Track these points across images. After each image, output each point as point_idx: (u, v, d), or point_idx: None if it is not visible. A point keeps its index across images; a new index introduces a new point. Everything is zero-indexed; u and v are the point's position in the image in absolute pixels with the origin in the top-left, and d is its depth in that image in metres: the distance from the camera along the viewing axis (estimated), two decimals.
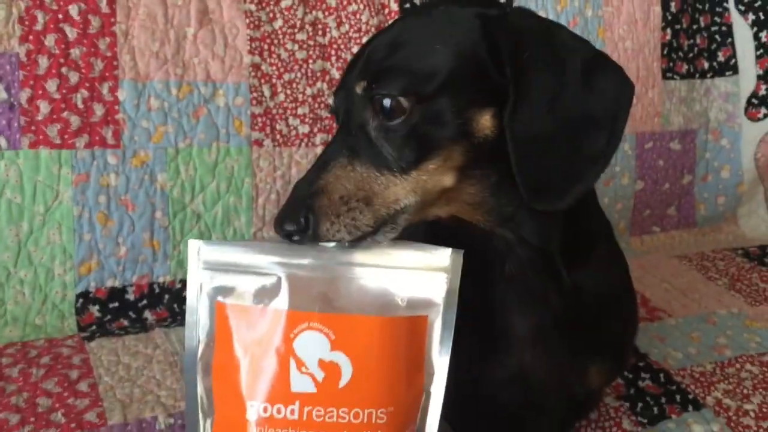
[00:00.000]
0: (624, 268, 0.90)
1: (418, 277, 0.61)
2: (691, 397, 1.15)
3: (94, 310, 1.30)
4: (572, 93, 0.68)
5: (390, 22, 0.77)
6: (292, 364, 0.57)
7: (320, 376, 0.57)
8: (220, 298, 0.59)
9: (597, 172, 0.70)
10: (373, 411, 0.57)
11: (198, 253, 0.59)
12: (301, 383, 0.57)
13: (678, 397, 1.15)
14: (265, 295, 0.58)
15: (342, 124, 0.71)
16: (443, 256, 0.62)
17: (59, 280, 1.28)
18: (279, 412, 0.56)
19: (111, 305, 1.31)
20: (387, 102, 0.66)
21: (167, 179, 1.35)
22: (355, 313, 0.58)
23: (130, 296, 1.33)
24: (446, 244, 0.76)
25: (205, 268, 0.59)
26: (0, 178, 1.24)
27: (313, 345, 0.57)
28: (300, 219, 0.62)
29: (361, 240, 0.65)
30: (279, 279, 0.59)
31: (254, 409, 0.57)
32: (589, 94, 0.68)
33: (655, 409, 1.12)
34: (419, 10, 0.72)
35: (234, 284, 0.59)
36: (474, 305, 0.77)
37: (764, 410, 1.12)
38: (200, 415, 0.60)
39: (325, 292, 0.59)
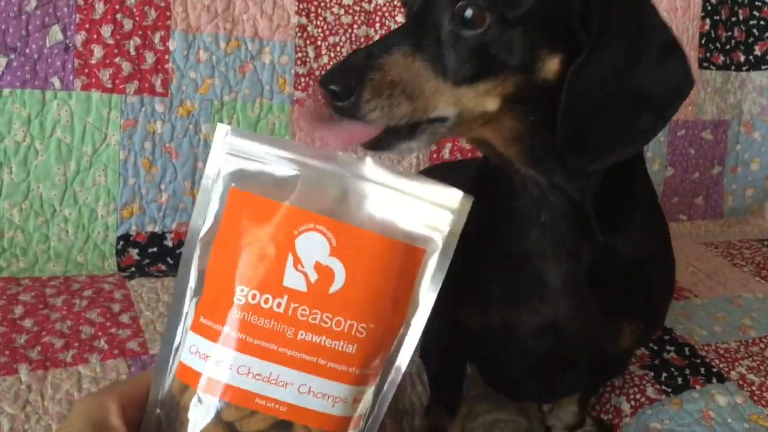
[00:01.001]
0: (664, 235, 0.89)
1: (425, 209, 0.61)
2: (715, 370, 1.16)
3: (134, 252, 1.33)
4: (642, 68, 0.68)
5: None
6: (290, 259, 0.57)
7: (313, 277, 0.57)
8: (234, 184, 0.59)
9: (634, 147, 0.71)
10: (354, 323, 0.58)
11: (224, 136, 0.59)
12: (293, 280, 0.57)
13: (702, 370, 1.15)
14: (279, 189, 0.59)
15: (414, 17, 0.69)
16: (453, 196, 0.61)
17: (102, 221, 1.31)
18: (266, 302, 0.57)
19: (150, 250, 1.34)
20: (470, 11, 0.65)
21: (211, 130, 1.37)
22: (359, 226, 0.58)
23: (168, 242, 1.36)
24: (487, 185, 0.77)
25: (228, 152, 0.59)
26: (51, 118, 1.26)
27: (313, 246, 0.57)
28: (350, 82, 0.62)
29: (394, 140, 0.65)
30: (296, 177, 0.59)
31: (243, 294, 0.57)
32: (656, 74, 0.69)
33: (680, 380, 1.13)
34: None
35: (252, 174, 0.59)
36: (509, 250, 0.79)
37: None
38: (188, 293, 0.60)
39: (336, 200, 0.59)
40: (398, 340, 0.61)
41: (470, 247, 0.63)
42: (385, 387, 0.62)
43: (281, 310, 0.56)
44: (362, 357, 0.58)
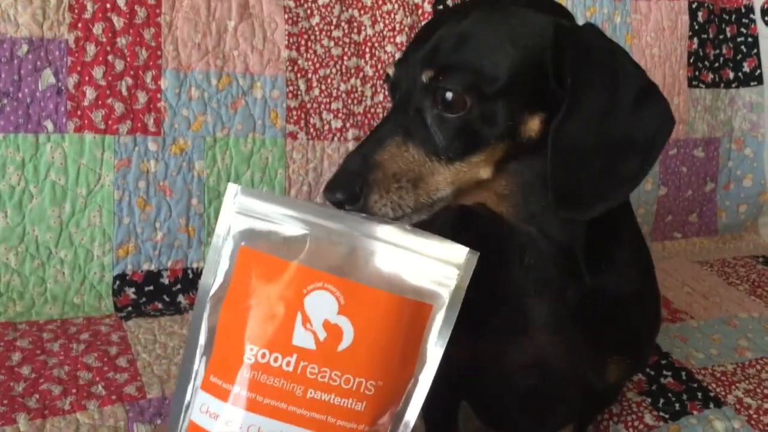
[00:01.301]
0: (648, 270, 0.91)
1: (432, 265, 0.62)
2: (712, 395, 1.17)
3: (130, 292, 1.33)
4: (621, 115, 0.70)
5: (459, 5, 0.77)
6: (299, 318, 0.58)
7: (322, 335, 0.59)
8: (244, 243, 0.61)
9: (625, 192, 0.72)
10: (363, 380, 0.59)
11: (234, 196, 0.61)
12: (302, 338, 0.58)
13: (699, 395, 1.17)
14: (288, 247, 0.60)
15: (399, 103, 0.72)
16: (459, 252, 0.63)
17: (98, 262, 1.31)
18: (276, 360, 0.58)
19: (146, 288, 1.35)
20: (449, 95, 0.67)
21: (204, 167, 1.38)
22: (366, 284, 0.60)
23: (165, 280, 1.36)
24: (470, 231, 0.78)
25: (238, 211, 0.61)
26: (45, 161, 1.27)
27: (322, 305, 0.59)
28: (355, 189, 0.64)
29: (399, 218, 0.67)
30: (304, 236, 0.61)
31: (253, 353, 0.58)
32: (635, 119, 0.71)
33: (677, 405, 1.14)
34: (494, 5, 0.73)
35: (261, 232, 0.61)
36: (494, 289, 0.80)
37: None
38: (198, 351, 0.61)
39: (343, 258, 0.61)
40: (406, 395, 0.63)
41: None
42: None
43: (290, 368, 0.58)
44: (371, 414, 0.60)
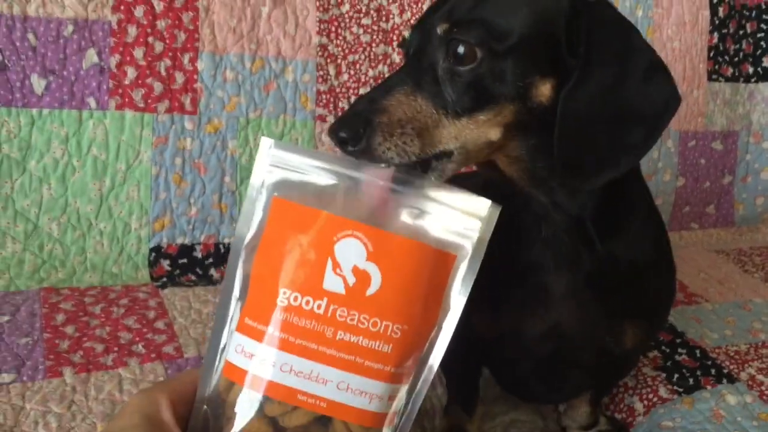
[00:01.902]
0: (661, 239, 0.93)
1: (456, 217, 0.64)
2: (725, 371, 1.19)
3: (165, 264, 1.39)
4: (630, 87, 0.72)
5: None
6: (329, 264, 0.60)
7: (351, 280, 0.60)
8: (277, 194, 0.63)
9: (629, 162, 0.74)
10: (390, 324, 0.61)
11: (268, 149, 0.63)
12: (332, 283, 0.60)
13: (713, 371, 1.19)
14: (319, 198, 0.63)
15: (412, 58, 0.74)
16: (482, 205, 0.65)
17: (135, 234, 1.37)
18: (307, 303, 0.60)
19: (180, 261, 1.40)
20: (461, 48, 0.69)
21: (237, 146, 1.43)
22: (394, 233, 0.62)
23: (198, 254, 1.42)
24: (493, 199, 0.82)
25: (272, 164, 0.63)
26: (88, 136, 1.33)
27: (351, 251, 0.60)
28: (358, 129, 0.65)
29: (409, 171, 0.68)
30: (335, 186, 0.63)
31: (285, 296, 0.60)
32: (643, 92, 0.73)
33: (691, 380, 1.16)
34: None
35: (293, 183, 0.63)
36: (516, 262, 0.84)
37: None
38: (233, 297, 0.63)
39: (372, 208, 0.63)
40: (430, 342, 0.65)
41: (484, 257, 0.67)
42: (419, 386, 0.66)
43: (321, 311, 0.60)
44: (397, 356, 0.62)
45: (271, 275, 0.61)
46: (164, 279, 1.36)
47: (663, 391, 1.14)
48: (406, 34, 0.77)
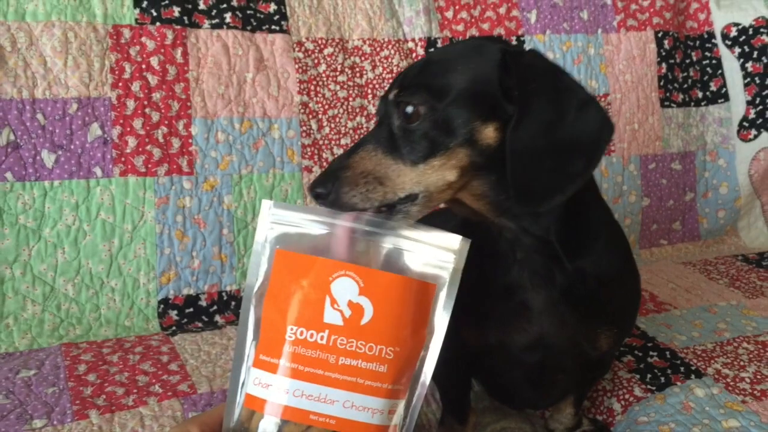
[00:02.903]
0: (625, 254, 1.02)
1: (433, 252, 0.73)
2: (693, 368, 1.27)
3: (173, 314, 1.47)
4: (565, 122, 0.80)
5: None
6: (327, 301, 0.69)
7: (348, 313, 0.69)
8: (279, 246, 0.71)
9: (573, 187, 0.81)
10: (384, 347, 0.69)
11: (269, 209, 0.72)
12: (332, 316, 0.68)
13: (682, 369, 1.26)
14: (315, 247, 0.71)
15: (378, 123, 0.85)
16: (454, 240, 0.73)
17: (144, 289, 1.46)
18: (312, 336, 0.68)
19: (187, 310, 1.48)
20: (409, 108, 0.80)
21: (232, 201, 1.53)
22: (380, 269, 0.71)
23: (203, 303, 1.50)
24: (471, 236, 0.89)
25: (272, 221, 0.72)
26: (96, 202, 1.43)
27: (345, 288, 0.69)
28: (328, 184, 0.76)
29: (378, 213, 0.78)
30: (328, 235, 0.72)
31: (293, 332, 0.68)
32: (578, 125, 0.81)
33: (662, 379, 1.24)
34: (457, 41, 0.87)
35: (292, 236, 0.72)
36: (499, 283, 0.92)
37: (758, 377, 1.24)
38: (248, 338, 0.71)
39: (360, 251, 0.72)
40: (421, 360, 0.74)
41: (468, 282, 0.76)
42: (414, 400, 0.74)
43: (324, 342, 0.68)
44: (392, 375, 0.70)
45: (280, 315, 0.69)
46: (173, 328, 1.45)
47: (638, 391, 1.22)
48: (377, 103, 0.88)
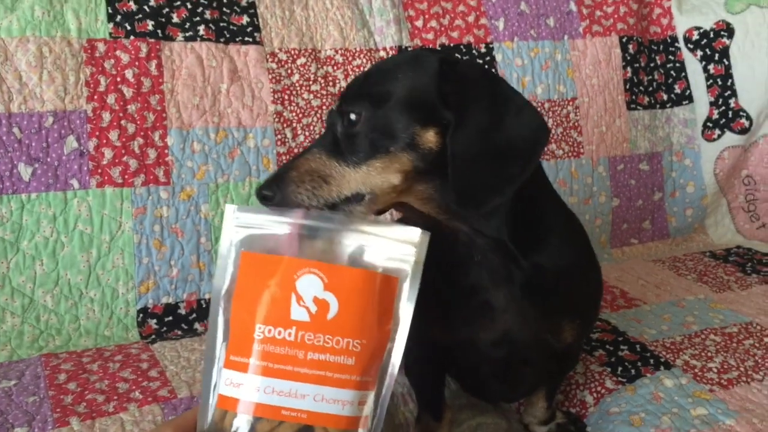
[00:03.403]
0: (582, 246, 1.04)
1: (394, 246, 0.74)
2: (663, 360, 1.30)
3: (153, 322, 1.47)
4: (502, 127, 0.83)
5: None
6: (293, 298, 0.69)
7: (313, 309, 0.70)
8: (244, 248, 0.72)
9: (511, 188, 0.84)
10: (350, 340, 0.70)
11: (233, 213, 0.73)
12: (298, 313, 0.69)
13: (652, 361, 1.29)
14: (278, 246, 0.73)
15: (325, 131, 0.88)
16: (414, 233, 0.74)
17: (123, 298, 1.46)
18: (279, 333, 0.69)
19: (166, 319, 1.48)
20: (351, 115, 0.82)
21: (209, 210, 1.54)
22: (343, 265, 0.72)
23: (182, 311, 1.51)
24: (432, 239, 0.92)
25: (237, 225, 0.73)
26: (73, 213, 1.43)
27: (310, 285, 0.70)
28: (273, 186, 0.78)
29: (325, 209, 0.80)
30: (290, 235, 0.73)
31: (261, 331, 0.69)
32: (515, 130, 0.84)
33: (633, 371, 1.27)
34: (400, 52, 0.90)
35: (257, 238, 0.73)
36: (461, 283, 0.95)
37: (725, 366, 1.27)
38: (218, 340, 0.72)
39: (323, 248, 0.73)
40: (387, 352, 0.75)
41: (434, 282, 0.79)
42: (383, 391, 0.75)
43: (292, 338, 0.69)
44: (360, 367, 0.71)
45: (248, 315, 0.70)
46: (153, 336, 1.45)
47: (609, 383, 1.25)
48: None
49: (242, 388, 0.69)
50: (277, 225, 0.74)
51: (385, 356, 0.75)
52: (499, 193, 0.83)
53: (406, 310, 0.74)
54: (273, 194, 0.78)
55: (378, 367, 0.74)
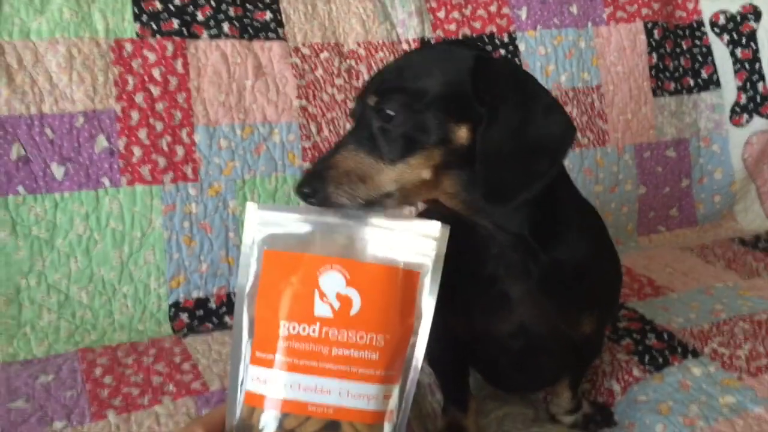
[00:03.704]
0: (600, 239, 1.05)
1: (414, 240, 0.74)
2: (690, 348, 1.30)
3: (184, 317, 1.50)
4: (532, 125, 0.84)
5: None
6: (316, 294, 0.70)
7: (337, 305, 0.71)
8: (266, 247, 0.72)
9: (539, 185, 0.84)
10: (374, 335, 0.71)
11: (254, 212, 0.74)
12: (322, 310, 0.70)
13: (679, 349, 1.29)
14: (301, 244, 0.73)
15: (356, 123, 0.87)
16: (434, 227, 0.75)
17: (155, 294, 1.49)
18: (304, 330, 0.70)
19: (197, 312, 1.51)
20: (388, 112, 0.82)
21: (237, 205, 1.56)
22: (365, 261, 0.73)
23: (212, 305, 1.53)
24: (453, 240, 0.92)
25: (258, 223, 0.73)
26: (105, 211, 1.46)
27: (333, 281, 0.71)
28: (314, 183, 0.78)
29: (362, 208, 0.79)
30: (312, 232, 0.73)
31: (285, 328, 0.70)
32: (544, 129, 0.84)
33: (660, 359, 1.26)
34: (429, 45, 0.90)
35: (279, 236, 0.73)
36: (479, 275, 0.96)
37: (754, 354, 1.26)
38: (244, 338, 0.73)
39: (345, 244, 0.74)
40: (411, 346, 0.75)
41: (453, 273, 0.78)
42: (408, 384, 0.76)
43: (316, 334, 0.70)
44: (384, 361, 0.72)
45: (272, 312, 0.71)
46: (185, 330, 1.48)
47: (636, 372, 1.25)
48: (351, 105, 0.90)
49: (268, 384, 0.70)
50: (298, 223, 0.74)
51: (408, 350, 0.75)
52: (527, 189, 0.83)
53: (428, 304, 0.75)
54: (313, 191, 0.78)
55: (402, 362, 0.75)
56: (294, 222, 0.74)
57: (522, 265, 0.93)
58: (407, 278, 0.74)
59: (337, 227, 0.75)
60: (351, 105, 1.71)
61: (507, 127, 0.83)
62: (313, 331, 0.70)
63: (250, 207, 0.74)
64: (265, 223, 0.74)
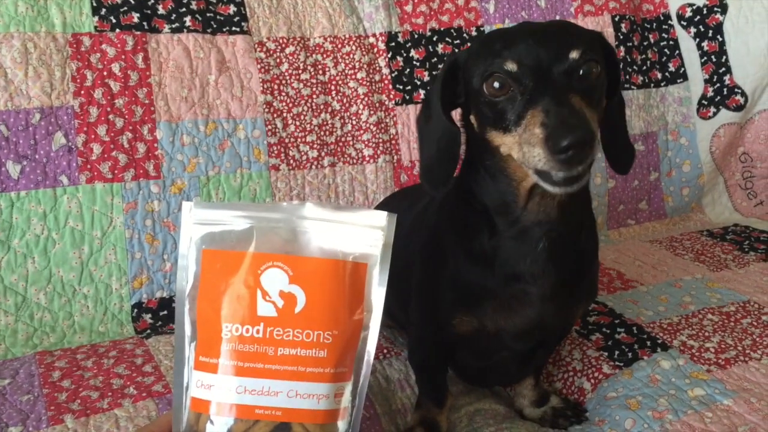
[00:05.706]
0: (593, 226, 1.05)
1: (360, 232, 0.71)
2: (659, 341, 1.28)
3: (147, 317, 1.46)
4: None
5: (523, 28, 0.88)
6: (259, 294, 0.67)
7: (280, 303, 0.67)
8: (205, 246, 0.69)
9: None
10: (321, 332, 0.68)
11: (190, 211, 0.69)
12: (265, 309, 0.67)
13: (648, 343, 1.27)
14: (240, 241, 0.69)
15: (544, 84, 0.79)
16: (380, 217, 0.71)
17: (116, 294, 1.45)
18: (247, 331, 0.66)
19: (161, 313, 1.46)
20: (594, 66, 0.81)
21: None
22: (308, 256, 0.69)
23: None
24: (474, 228, 0.94)
25: (195, 222, 0.69)
26: (63, 210, 1.41)
27: (275, 279, 0.67)
28: (582, 156, 0.73)
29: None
30: (251, 229, 0.69)
31: (228, 329, 0.66)
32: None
33: (630, 354, 1.24)
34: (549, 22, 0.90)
35: (217, 234, 0.69)
36: (501, 272, 0.94)
37: (722, 346, 1.25)
38: (186, 341, 0.69)
39: (286, 240, 0.70)
40: (362, 341, 0.72)
41: (466, 273, 0.79)
42: (361, 380, 0.72)
43: (260, 335, 0.67)
44: (333, 359, 0.69)
45: (214, 315, 0.67)
46: (148, 331, 1.44)
47: (606, 368, 1.23)
48: (510, 67, 0.78)
49: (214, 389, 0.67)
50: (237, 219, 0.70)
51: (359, 345, 0.72)
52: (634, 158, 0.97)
53: (378, 296, 0.72)
54: (583, 158, 0.74)
55: (353, 357, 0.72)
56: (232, 219, 0.70)
57: (554, 258, 0.93)
58: (354, 271, 0.71)
59: (278, 222, 0.71)
60: (317, 100, 1.68)
61: (618, 97, 0.93)
62: (257, 331, 0.67)
63: (186, 206, 0.70)
64: (202, 221, 0.70)
